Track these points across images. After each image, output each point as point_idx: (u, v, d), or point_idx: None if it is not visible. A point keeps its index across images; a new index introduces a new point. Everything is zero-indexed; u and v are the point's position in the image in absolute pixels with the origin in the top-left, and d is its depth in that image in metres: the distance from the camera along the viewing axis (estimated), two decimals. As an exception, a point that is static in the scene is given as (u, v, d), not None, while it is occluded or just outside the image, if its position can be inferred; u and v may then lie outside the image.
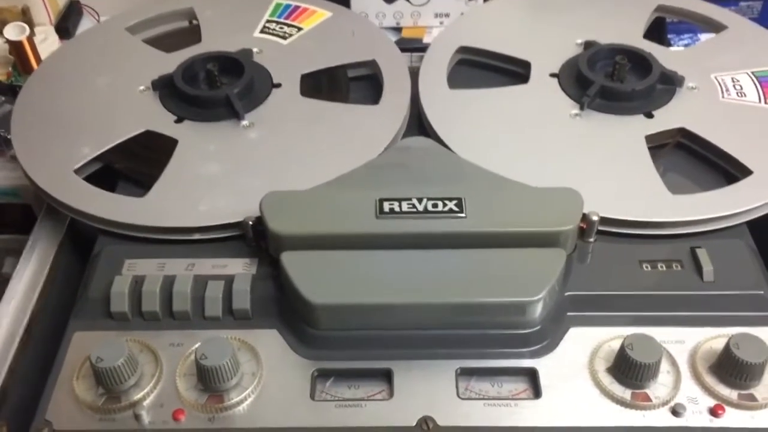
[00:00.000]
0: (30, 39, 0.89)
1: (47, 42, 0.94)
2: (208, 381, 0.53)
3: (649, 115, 0.70)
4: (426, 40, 0.95)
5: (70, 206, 0.65)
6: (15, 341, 0.60)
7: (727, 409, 0.53)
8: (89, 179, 0.67)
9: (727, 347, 0.53)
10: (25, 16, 0.96)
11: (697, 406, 0.53)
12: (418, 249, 0.57)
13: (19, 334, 0.61)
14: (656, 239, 0.62)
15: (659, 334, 0.55)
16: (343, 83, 0.78)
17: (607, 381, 0.54)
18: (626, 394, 0.53)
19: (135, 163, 0.70)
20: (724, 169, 0.68)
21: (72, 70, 0.78)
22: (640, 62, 0.74)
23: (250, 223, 0.60)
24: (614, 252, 0.61)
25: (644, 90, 0.71)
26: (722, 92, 0.73)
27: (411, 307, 0.55)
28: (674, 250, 0.61)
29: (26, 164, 0.68)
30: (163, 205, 0.64)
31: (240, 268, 0.61)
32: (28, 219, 0.75)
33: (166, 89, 0.74)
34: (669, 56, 0.76)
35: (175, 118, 0.71)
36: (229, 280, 0.59)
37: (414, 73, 0.77)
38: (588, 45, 0.77)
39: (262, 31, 0.82)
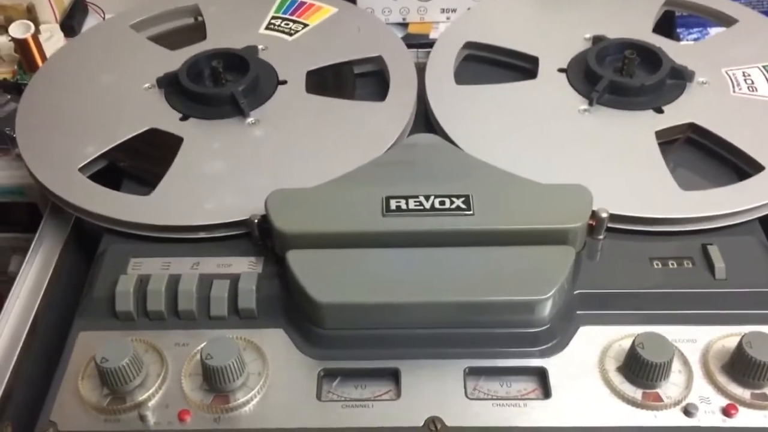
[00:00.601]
0: (35, 37, 0.89)
1: (52, 40, 0.94)
2: (214, 381, 0.53)
3: (659, 111, 0.70)
4: (432, 35, 0.94)
5: (74, 205, 0.64)
6: (20, 341, 0.60)
7: (740, 408, 0.52)
8: (94, 177, 0.67)
9: (739, 346, 0.52)
10: (31, 14, 0.96)
11: (709, 405, 0.53)
12: (425, 247, 0.57)
13: (24, 333, 0.61)
14: (667, 236, 0.61)
15: (670, 332, 0.54)
16: (349, 80, 0.77)
17: (618, 381, 0.54)
18: (637, 393, 0.53)
19: (140, 162, 0.70)
20: (736, 165, 0.67)
21: (77, 68, 0.78)
22: (650, 57, 0.73)
23: (256, 221, 0.59)
24: (624, 249, 0.61)
25: (654, 85, 0.70)
26: (733, 87, 0.72)
27: (418, 306, 0.55)
28: (685, 248, 0.61)
29: (31, 162, 0.68)
30: (168, 203, 0.64)
31: (245, 266, 0.60)
32: (33, 217, 0.76)
33: (171, 87, 0.73)
34: (679, 50, 0.75)
35: (180, 115, 0.71)
36: (234, 279, 0.58)
37: (420, 70, 0.76)
38: (596, 40, 0.77)
39: (267, 28, 0.82)
